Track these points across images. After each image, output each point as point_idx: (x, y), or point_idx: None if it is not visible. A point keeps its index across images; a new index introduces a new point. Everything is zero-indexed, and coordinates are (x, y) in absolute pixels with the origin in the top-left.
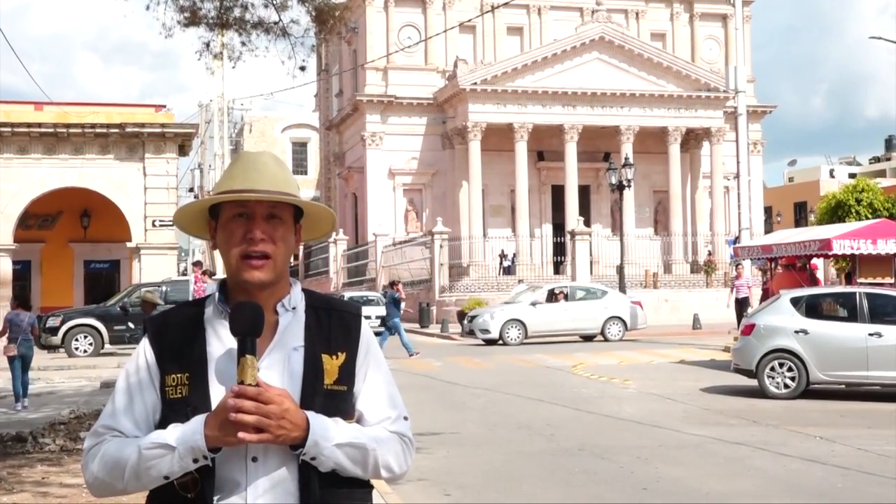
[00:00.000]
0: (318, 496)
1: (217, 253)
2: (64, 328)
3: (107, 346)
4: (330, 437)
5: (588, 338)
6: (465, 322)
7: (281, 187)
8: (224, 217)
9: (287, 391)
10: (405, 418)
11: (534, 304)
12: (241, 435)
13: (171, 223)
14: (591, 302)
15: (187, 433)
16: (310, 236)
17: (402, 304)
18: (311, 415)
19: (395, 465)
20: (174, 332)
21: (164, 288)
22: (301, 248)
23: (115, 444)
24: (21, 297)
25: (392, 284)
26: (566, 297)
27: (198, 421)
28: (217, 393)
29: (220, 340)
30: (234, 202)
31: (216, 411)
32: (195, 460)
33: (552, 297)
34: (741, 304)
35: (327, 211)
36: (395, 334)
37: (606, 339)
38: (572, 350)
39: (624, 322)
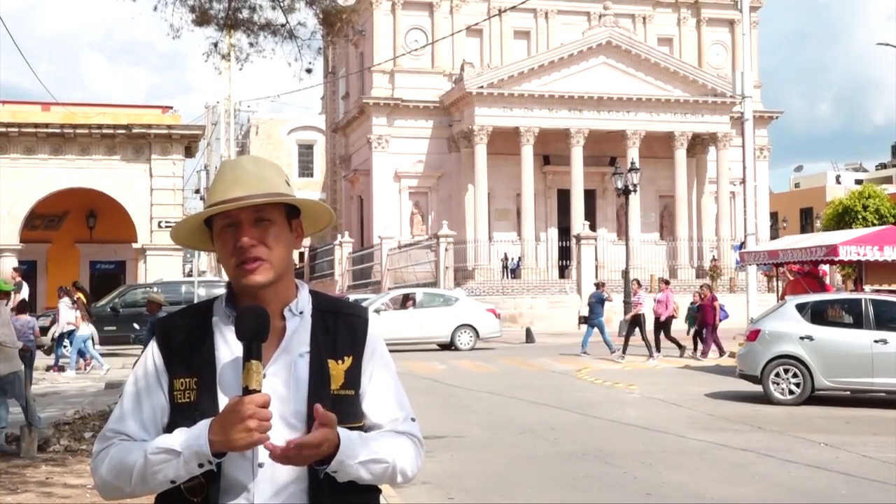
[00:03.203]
0: (326, 502)
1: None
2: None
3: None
4: (356, 454)
5: (443, 346)
6: None
7: (261, 189)
8: (216, 229)
9: (333, 431)
10: (412, 419)
11: (377, 310)
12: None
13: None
14: (440, 309)
15: (192, 438)
16: (312, 230)
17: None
18: (342, 433)
19: (409, 470)
20: (182, 336)
21: (154, 289)
22: (306, 250)
23: (122, 449)
24: (20, 306)
25: (598, 286)
26: (414, 304)
27: (202, 426)
28: (225, 398)
29: (228, 345)
30: (220, 214)
31: (221, 416)
32: (200, 465)
33: (405, 303)
34: (634, 322)
35: (316, 202)
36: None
37: (456, 348)
38: (560, 356)
39: (475, 330)
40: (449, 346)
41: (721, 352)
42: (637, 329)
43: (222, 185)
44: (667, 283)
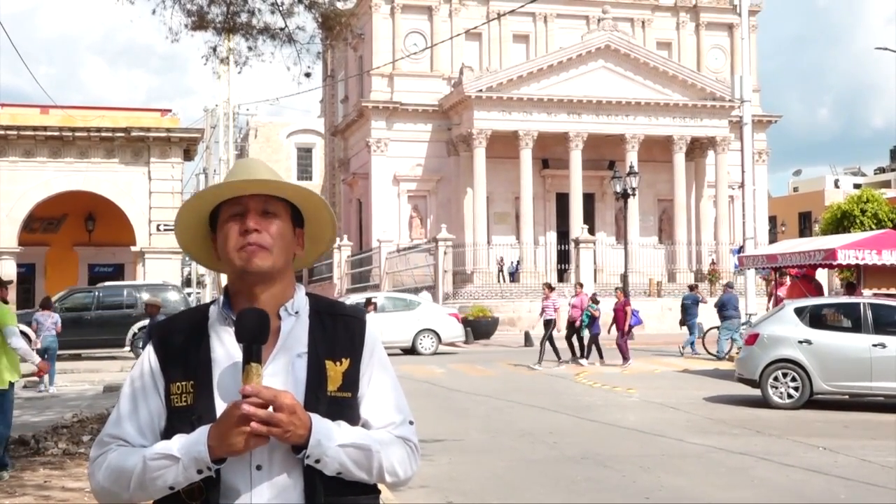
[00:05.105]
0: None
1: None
2: None
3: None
4: (333, 437)
5: (405, 351)
6: None
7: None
8: (221, 220)
9: (291, 393)
10: (410, 423)
11: None
12: (253, 425)
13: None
14: (401, 313)
15: (191, 444)
16: (313, 248)
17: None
18: (314, 416)
19: (401, 469)
20: (179, 339)
21: (97, 293)
22: None
23: (120, 454)
24: (44, 302)
25: (692, 287)
26: (376, 308)
27: (201, 432)
28: (222, 401)
29: (224, 347)
30: (229, 204)
31: (219, 422)
32: (199, 471)
33: (366, 307)
34: (547, 326)
35: (323, 205)
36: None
37: (418, 353)
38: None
39: (437, 335)
40: (411, 351)
41: (625, 359)
42: (551, 334)
43: (234, 176)
44: (581, 285)
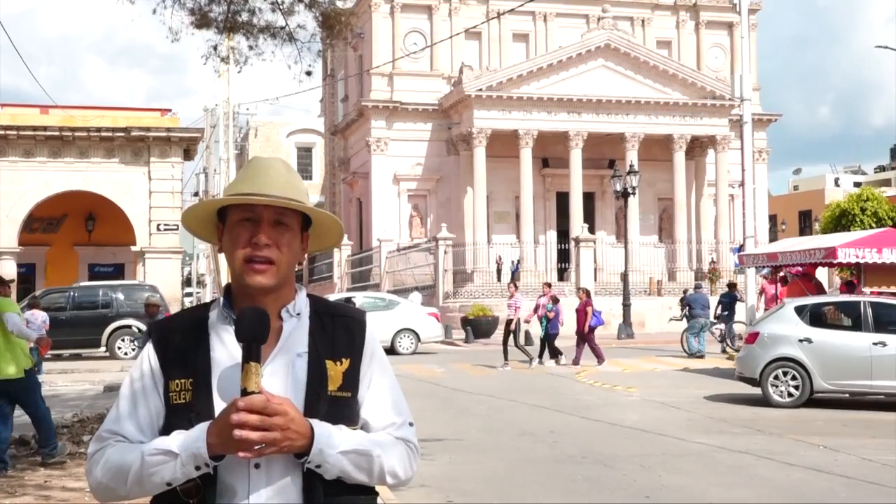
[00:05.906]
0: (322, 503)
1: (222, 257)
2: None
3: None
4: (334, 444)
5: (385, 350)
6: None
7: (289, 194)
8: (231, 220)
9: (289, 400)
10: (410, 424)
11: None
12: (241, 455)
13: (175, 227)
14: (381, 313)
15: (190, 440)
16: (316, 247)
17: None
18: (314, 423)
19: (401, 471)
20: (178, 338)
21: (72, 293)
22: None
23: (119, 450)
24: (32, 301)
25: (731, 286)
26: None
27: (200, 428)
28: (220, 399)
29: (224, 346)
30: (241, 206)
31: (218, 419)
32: (197, 468)
33: None
34: (509, 327)
35: (335, 221)
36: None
37: (397, 353)
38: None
39: (416, 334)
40: (390, 351)
41: (600, 359)
42: (512, 335)
43: (252, 179)
44: (549, 285)
